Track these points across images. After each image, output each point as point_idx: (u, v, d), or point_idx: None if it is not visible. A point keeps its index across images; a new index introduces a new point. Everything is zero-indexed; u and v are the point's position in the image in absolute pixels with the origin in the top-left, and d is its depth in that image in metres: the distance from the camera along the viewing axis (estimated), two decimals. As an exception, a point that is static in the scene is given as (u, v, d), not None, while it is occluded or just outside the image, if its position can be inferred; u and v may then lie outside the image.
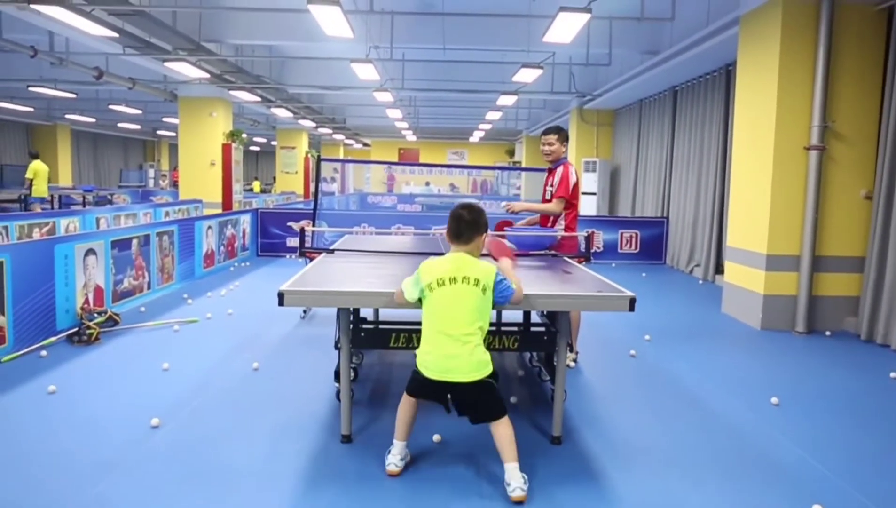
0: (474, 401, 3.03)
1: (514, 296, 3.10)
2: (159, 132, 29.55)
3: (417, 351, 3.09)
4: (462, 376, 2.96)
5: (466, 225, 3.10)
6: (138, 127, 26.57)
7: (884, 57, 6.28)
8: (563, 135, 5.12)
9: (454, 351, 2.95)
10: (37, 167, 14.03)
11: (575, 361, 5.11)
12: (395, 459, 3.13)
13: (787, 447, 3.63)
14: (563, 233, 4.95)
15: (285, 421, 3.80)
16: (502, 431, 3.03)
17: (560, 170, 5.02)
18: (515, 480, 2.93)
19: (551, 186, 5.07)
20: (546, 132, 5.14)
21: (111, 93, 17.05)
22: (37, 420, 3.74)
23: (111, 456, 3.28)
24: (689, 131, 10.56)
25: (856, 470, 3.34)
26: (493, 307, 3.10)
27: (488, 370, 3.02)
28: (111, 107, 17.91)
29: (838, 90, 6.26)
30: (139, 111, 19.40)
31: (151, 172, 30.56)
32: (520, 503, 2.88)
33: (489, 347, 3.56)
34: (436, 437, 3.54)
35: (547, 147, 5.09)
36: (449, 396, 3.06)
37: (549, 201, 5.06)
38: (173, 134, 25.75)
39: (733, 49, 7.54)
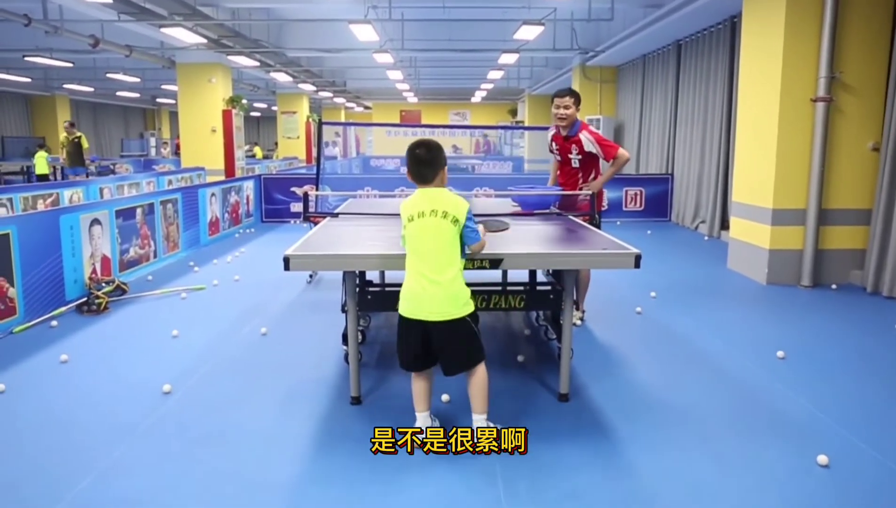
0: (449, 342, 2.98)
1: (477, 244, 3.07)
2: (159, 100, 29.26)
3: (401, 291, 3.05)
4: (437, 312, 2.93)
5: (426, 165, 3.03)
6: (137, 95, 26.30)
7: (894, 5, 6.12)
8: (578, 99, 4.86)
9: (428, 285, 2.92)
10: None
11: (581, 319, 5.12)
12: (422, 425, 3.09)
13: (793, 400, 3.65)
14: (581, 191, 4.84)
15: (295, 385, 3.83)
16: (476, 379, 3.03)
17: (586, 136, 4.78)
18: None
19: (577, 154, 4.83)
20: (560, 94, 4.86)
21: (108, 61, 16.85)
22: (51, 389, 3.78)
23: (126, 422, 3.33)
24: (694, 86, 10.40)
25: (862, 422, 3.36)
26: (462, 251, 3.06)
27: (467, 308, 2.99)
28: (109, 75, 17.71)
29: (846, 40, 6.12)
30: (138, 79, 19.20)
31: (153, 141, 30.33)
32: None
33: (495, 306, 3.58)
34: (444, 397, 3.57)
35: (563, 111, 4.81)
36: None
37: (577, 168, 4.88)
38: (173, 102, 25.49)
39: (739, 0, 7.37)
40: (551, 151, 5.18)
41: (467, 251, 3.09)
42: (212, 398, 3.66)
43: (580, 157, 4.89)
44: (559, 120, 4.88)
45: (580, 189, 4.90)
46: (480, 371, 3.04)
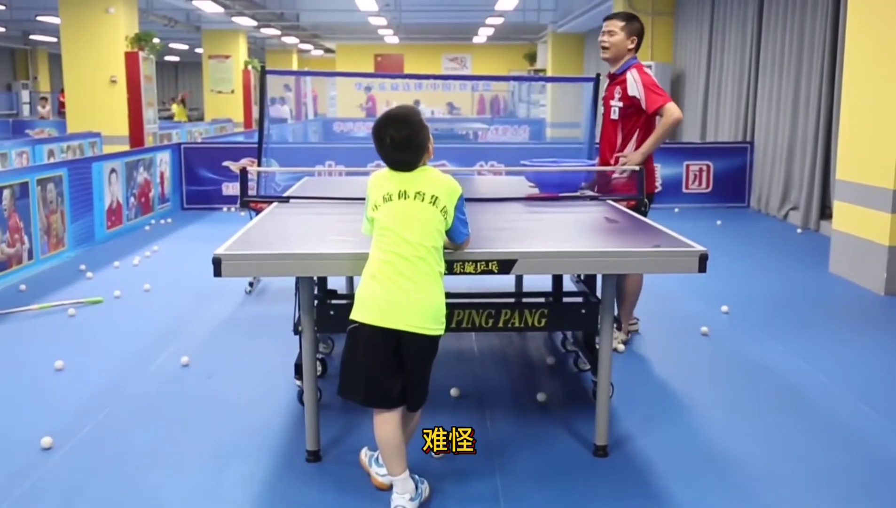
0: (421, 367, 3.09)
1: (465, 241, 3.18)
2: (34, 37, 29.17)
3: (356, 293, 3.09)
4: (410, 321, 2.97)
5: (402, 150, 3.05)
6: (2, 30, 26.23)
7: None
8: (633, 26, 4.99)
9: (405, 284, 2.96)
10: None
11: (625, 342, 5.15)
12: (402, 500, 3.07)
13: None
14: (620, 164, 4.89)
15: (228, 436, 3.84)
16: (416, 422, 3.26)
17: (634, 77, 4.89)
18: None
19: (618, 100, 4.96)
20: (609, 17, 5.08)
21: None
22: None
23: (-11, 489, 3.32)
24: (784, 19, 10.44)
25: None
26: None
27: (443, 327, 3.07)
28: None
29: None
30: (2, 7, 19.14)
31: (26, 95, 30.27)
32: None
33: (505, 325, 3.61)
34: (454, 391, 3.59)
35: (606, 38, 4.98)
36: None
37: (615, 121, 5.01)
38: (54, 39, 25.43)
39: None
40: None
41: (452, 244, 3.16)
42: (112, 455, 3.65)
43: (621, 104, 4.98)
44: (602, 51, 5.07)
45: (616, 157, 4.97)
46: (419, 412, 3.26)
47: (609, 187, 4.95)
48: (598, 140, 5.48)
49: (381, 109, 25.24)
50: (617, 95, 5.00)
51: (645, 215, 4.65)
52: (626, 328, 5.20)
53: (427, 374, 3.13)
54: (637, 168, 4.74)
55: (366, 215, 3.14)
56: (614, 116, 5.04)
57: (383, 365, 3.03)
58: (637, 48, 5.03)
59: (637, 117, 4.97)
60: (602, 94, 5.27)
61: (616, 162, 4.97)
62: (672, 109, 4.85)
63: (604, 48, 5.04)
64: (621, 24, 4.98)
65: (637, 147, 4.95)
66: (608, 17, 5.09)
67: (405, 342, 3.01)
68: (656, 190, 5.15)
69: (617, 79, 5.03)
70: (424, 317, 2.98)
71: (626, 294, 5.13)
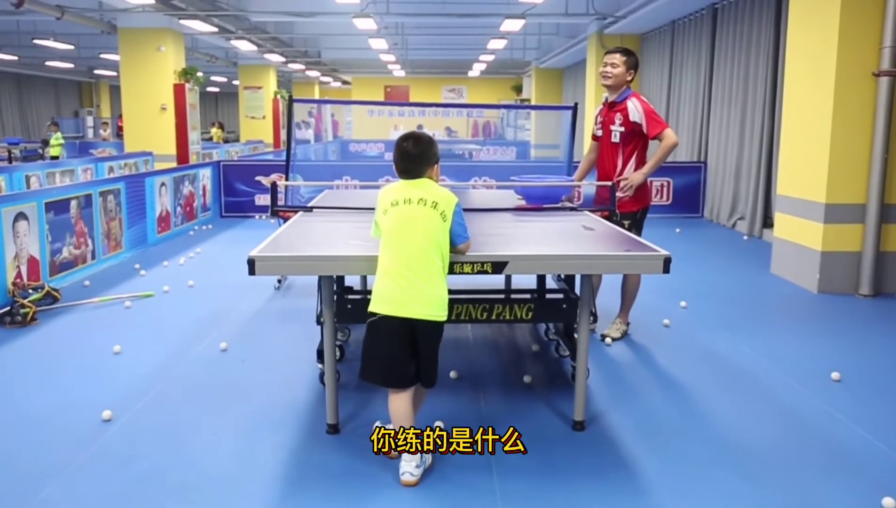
0: (431, 349, 3.10)
1: (465, 243, 3.15)
2: (97, 72, 29.18)
3: (373, 289, 3.09)
4: (421, 310, 2.99)
5: (413, 160, 3.12)
6: (71, 66, 26.22)
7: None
8: (631, 59, 4.90)
9: (414, 279, 2.98)
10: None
11: (625, 333, 5.13)
12: (409, 467, 3.06)
13: (850, 429, 3.65)
14: (617, 180, 4.83)
15: (260, 411, 3.82)
16: (423, 398, 3.28)
17: (635, 104, 4.81)
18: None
19: (619, 125, 4.84)
20: (609, 51, 4.99)
21: (36, 24, 16.78)
22: (-33, 416, 3.75)
23: (56, 457, 3.30)
24: (732, 58, 10.44)
25: (931, 454, 3.38)
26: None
27: (445, 313, 3.06)
28: (36, 42, 17.63)
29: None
30: (71, 46, 19.12)
31: (90, 120, 30.27)
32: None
33: (498, 317, 3.59)
34: (452, 373, 3.58)
35: (609, 69, 4.86)
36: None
37: (616, 144, 4.88)
38: (114, 73, 25.41)
39: (786, -44, 7.40)
40: (594, 137, 5.17)
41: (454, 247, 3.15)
42: (161, 426, 3.64)
43: (622, 129, 4.86)
44: (604, 79, 4.95)
45: (618, 178, 4.88)
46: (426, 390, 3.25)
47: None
48: (576, 159, 5.45)
49: (326, 129, 25.32)
50: (618, 121, 4.87)
51: (639, 230, 4.73)
52: (626, 320, 5.18)
53: (436, 354, 3.14)
54: (611, 184, 4.73)
55: (374, 220, 3.16)
56: (615, 139, 4.91)
57: (401, 350, 3.04)
58: (633, 79, 4.94)
59: (637, 141, 4.87)
60: (596, 118, 5.15)
61: (618, 183, 4.83)
62: (670, 135, 4.78)
63: (605, 77, 4.91)
64: (623, 57, 4.88)
65: (636, 168, 4.87)
66: (609, 52, 4.97)
67: (418, 328, 3.02)
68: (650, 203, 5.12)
69: (617, 106, 4.90)
70: (433, 306, 3.01)
71: (627, 293, 5.12)
